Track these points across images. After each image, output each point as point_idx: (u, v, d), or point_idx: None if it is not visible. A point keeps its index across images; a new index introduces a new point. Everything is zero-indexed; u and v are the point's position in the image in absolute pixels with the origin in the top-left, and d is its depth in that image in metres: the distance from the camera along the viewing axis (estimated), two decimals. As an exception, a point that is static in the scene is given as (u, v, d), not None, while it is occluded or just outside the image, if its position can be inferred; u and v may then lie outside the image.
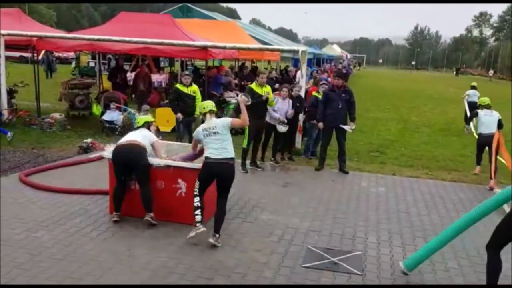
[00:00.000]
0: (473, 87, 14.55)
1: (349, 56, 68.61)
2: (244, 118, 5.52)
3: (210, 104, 5.58)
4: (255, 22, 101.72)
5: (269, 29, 79.58)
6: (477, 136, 9.02)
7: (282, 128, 8.57)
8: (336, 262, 4.84)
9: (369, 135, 12.82)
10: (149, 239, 5.19)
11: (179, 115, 8.99)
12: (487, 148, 8.54)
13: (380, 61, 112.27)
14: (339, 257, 4.95)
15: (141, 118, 6.18)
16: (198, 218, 5.12)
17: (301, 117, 9.50)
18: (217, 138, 5.24)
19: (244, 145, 8.27)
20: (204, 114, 5.49)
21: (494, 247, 4.09)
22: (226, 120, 5.46)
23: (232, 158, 5.25)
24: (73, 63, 28.97)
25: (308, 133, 9.67)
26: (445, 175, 8.86)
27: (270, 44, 19.38)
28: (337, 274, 4.63)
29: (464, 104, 13.23)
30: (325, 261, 4.87)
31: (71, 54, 30.03)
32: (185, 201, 5.48)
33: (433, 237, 5.58)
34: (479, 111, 8.87)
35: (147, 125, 6.00)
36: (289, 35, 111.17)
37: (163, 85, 17.06)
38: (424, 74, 69.32)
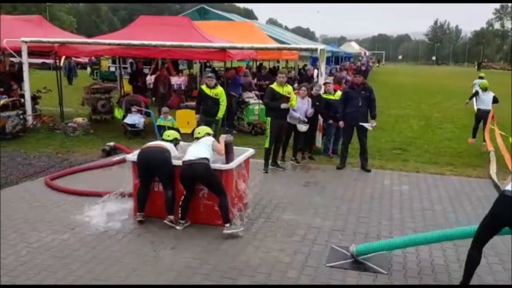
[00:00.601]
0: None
1: (367, 53, 67.96)
2: (221, 149, 5.76)
3: (204, 131, 5.95)
4: (271, 22, 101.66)
5: (286, 28, 79.45)
6: (476, 111, 11.27)
7: (303, 128, 8.54)
8: (361, 261, 4.79)
9: (391, 133, 12.66)
10: (173, 240, 5.22)
11: (198, 116, 9.08)
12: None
13: (400, 57, 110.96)
14: (365, 256, 4.89)
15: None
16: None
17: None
18: (194, 147, 5.64)
19: (266, 145, 8.27)
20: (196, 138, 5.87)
21: (480, 242, 4.10)
22: (210, 140, 5.77)
23: (202, 158, 5.43)
24: (88, 68, 29.52)
25: (325, 132, 9.63)
26: (470, 171, 8.69)
27: (288, 44, 19.34)
28: (362, 273, 4.59)
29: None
30: (349, 260, 4.82)
31: (86, 60, 30.56)
32: (208, 201, 5.53)
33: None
34: (480, 91, 11.23)
35: (174, 142, 6.02)
36: (307, 34, 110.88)
37: (183, 87, 17.21)
38: (445, 69, 68.21)
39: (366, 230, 5.70)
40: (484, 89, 11.23)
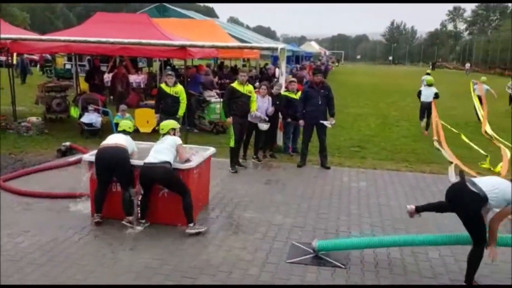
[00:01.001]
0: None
1: (327, 52, 69.09)
2: (183, 158, 5.63)
3: (170, 124, 5.82)
4: (233, 20, 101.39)
5: (247, 27, 79.60)
6: (420, 103, 13.24)
7: (264, 126, 8.60)
8: (321, 256, 4.88)
9: (350, 131, 12.94)
10: (132, 241, 5.14)
11: (157, 115, 8.97)
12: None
13: (358, 57, 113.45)
14: (323, 251, 4.98)
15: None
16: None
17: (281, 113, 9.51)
18: (158, 146, 5.52)
19: (232, 144, 8.24)
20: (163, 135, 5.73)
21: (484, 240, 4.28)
22: (177, 141, 5.62)
23: (163, 162, 5.34)
24: (38, 65, 28.57)
25: (285, 130, 9.71)
26: (424, 167, 9.01)
27: (249, 42, 19.37)
28: (321, 268, 4.68)
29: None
30: (309, 256, 4.91)
31: (36, 57, 29.58)
32: (169, 202, 5.47)
33: (414, 229, 5.71)
34: (422, 87, 13.40)
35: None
36: (268, 33, 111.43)
37: (142, 85, 16.90)
38: (401, 69, 70.21)
39: (325, 226, 5.81)
40: (429, 84, 13.05)
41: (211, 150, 6.44)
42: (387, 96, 23.71)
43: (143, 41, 10.34)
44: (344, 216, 6.21)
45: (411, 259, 4.97)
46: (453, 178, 7.97)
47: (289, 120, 9.31)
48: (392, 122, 14.97)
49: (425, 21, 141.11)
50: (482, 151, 10.12)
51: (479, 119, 14.94)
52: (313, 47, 55.03)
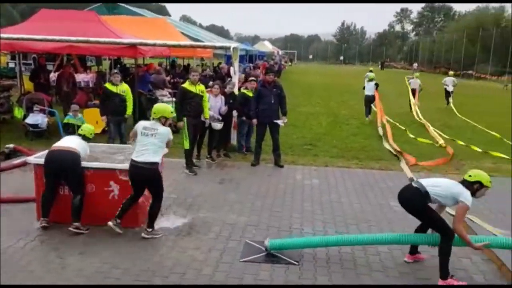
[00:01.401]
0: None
1: (280, 52, 69.70)
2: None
3: (163, 110, 5.35)
4: (185, 19, 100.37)
5: (200, 26, 78.94)
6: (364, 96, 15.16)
7: (218, 125, 8.58)
8: (274, 254, 4.93)
9: (302, 129, 13.14)
10: (80, 245, 4.99)
11: (104, 117, 8.77)
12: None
13: (311, 56, 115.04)
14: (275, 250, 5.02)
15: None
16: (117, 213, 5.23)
17: (235, 113, 9.53)
18: (149, 141, 5.16)
19: (186, 146, 8.10)
20: (153, 119, 5.35)
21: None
22: (169, 135, 5.32)
23: (151, 163, 5.13)
24: None
25: (239, 129, 9.72)
26: (373, 164, 9.30)
27: (202, 41, 19.23)
28: (275, 266, 4.73)
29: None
30: (262, 254, 4.94)
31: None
32: (118, 204, 5.32)
33: (365, 225, 5.90)
34: (365, 83, 15.40)
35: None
36: (221, 32, 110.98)
37: (91, 84, 16.38)
38: (352, 69, 71.90)
39: (279, 224, 5.87)
40: (371, 79, 15.22)
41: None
42: (337, 95, 24.25)
43: (91, 39, 10.03)
44: (297, 214, 6.30)
45: (361, 253, 5.12)
46: (410, 174, 8.31)
47: (243, 118, 9.32)
48: (343, 120, 15.33)
49: (374, 22, 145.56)
50: (427, 141, 10.57)
51: (411, 109, 17.30)
52: (267, 47, 55.33)
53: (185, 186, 7.30)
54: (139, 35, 12.33)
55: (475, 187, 4.42)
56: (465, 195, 4.36)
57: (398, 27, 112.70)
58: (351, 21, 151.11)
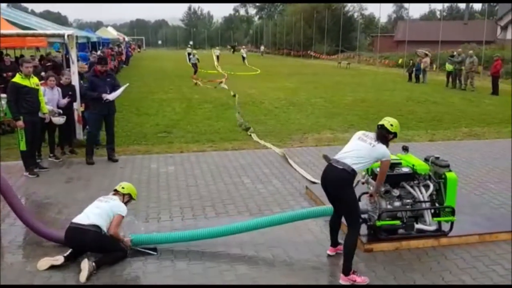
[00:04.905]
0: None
1: (126, 38, 66.82)
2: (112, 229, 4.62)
3: (133, 191, 5.07)
4: (14, 5, 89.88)
5: (32, 12, 71.54)
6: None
7: (61, 120, 7.94)
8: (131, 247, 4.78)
9: (155, 117, 12.88)
10: None
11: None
12: None
13: (160, 42, 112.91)
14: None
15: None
16: None
17: (76, 105, 8.86)
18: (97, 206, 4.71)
19: (23, 147, 7.25)
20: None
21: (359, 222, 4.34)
22: (121, 209, 4.73)
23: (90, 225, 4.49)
24: None
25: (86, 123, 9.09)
26: (226, 145, 9.58)
27: (33, 29, 17.41)
28: (132, 259, 4.60)
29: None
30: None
31: None
32: None
33: (220, 204, 6.06)
34: (190, 56, 22.56)
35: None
36: (58, 18, 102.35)
37: None
38: (202, 54, 72.51)
39: (134, 216, 5.71)
40: (189, 53, 21.02)
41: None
42: (188, 81, 24.28)
43: None
44: (154, 203, 6.21)
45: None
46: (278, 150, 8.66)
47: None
48: (196, 105, 15.43)
49: (220, 6, 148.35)
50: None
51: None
52: (111, 33, 52.36)
53: (28, 190, 6.65)
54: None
55: (390, 137, 4.35)
56: (385, 153, 4.25)
57: (242, 11, 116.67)
58: (197, 6, 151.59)
